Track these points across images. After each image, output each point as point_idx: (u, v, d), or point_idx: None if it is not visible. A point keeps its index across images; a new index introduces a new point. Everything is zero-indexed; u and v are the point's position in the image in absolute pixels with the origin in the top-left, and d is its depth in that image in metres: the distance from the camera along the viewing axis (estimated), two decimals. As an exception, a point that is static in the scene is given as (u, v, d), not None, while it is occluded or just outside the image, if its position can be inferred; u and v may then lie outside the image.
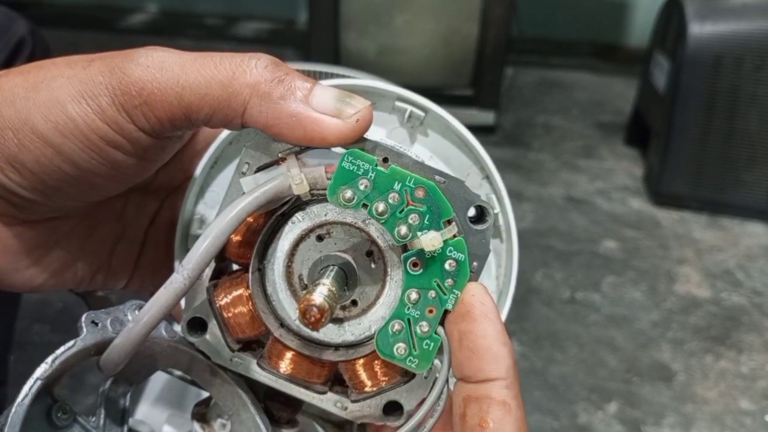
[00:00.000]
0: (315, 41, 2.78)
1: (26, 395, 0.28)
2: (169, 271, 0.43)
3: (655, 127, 2.51)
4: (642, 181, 2.56)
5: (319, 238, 0.35)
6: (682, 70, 2.26)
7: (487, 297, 0.32)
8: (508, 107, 3.09)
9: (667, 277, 2.04)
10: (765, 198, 2.32)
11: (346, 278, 0.34)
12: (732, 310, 1.91)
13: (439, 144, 0.42)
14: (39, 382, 0.29)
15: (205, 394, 0.39)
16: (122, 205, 0.43)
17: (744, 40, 2.20)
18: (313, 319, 0.30)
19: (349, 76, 1.31)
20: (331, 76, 1.33)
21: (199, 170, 0.41)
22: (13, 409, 0.27)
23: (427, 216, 0.32)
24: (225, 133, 0.41)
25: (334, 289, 0.32)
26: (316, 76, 0.89)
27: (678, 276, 2.05)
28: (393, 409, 0.35)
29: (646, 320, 1.86)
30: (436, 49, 2.78)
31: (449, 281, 0.32)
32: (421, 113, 0.41)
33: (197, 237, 0.41)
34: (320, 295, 0.31)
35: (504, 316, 0.41)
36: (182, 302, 0.34)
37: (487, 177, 0.42)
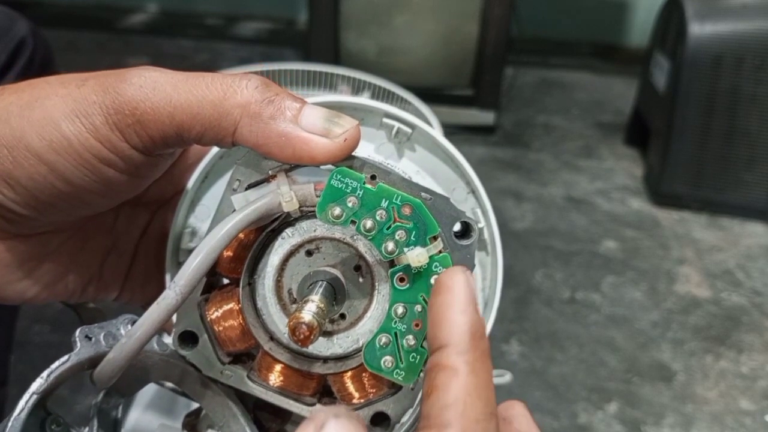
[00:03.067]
0: (315, 41, 2.78)
1: (22, 409, 0.29)
2: (159, 283, 0.44)
3: (655, 127, 2.51)
4: (642, 181, 2.57)
5: (309, 253, 0.35)
6: (682, 70, 2.26)
7: (458, 274, 0.30)
8: (508, 107, 3.09)
9: (667, 277, 2.04)
10: (765, 198, 2.31)
11: (335, 293, 0.34)
12: (732, 310, 1.92)
13: (426, 159, 0.43)
14: (35, 397, 0.29)
15: (195, 405, 0.39)
16: (113, 219, 0.44)
17: (744, 40, 2.20)
18: (302, 336, 0.31)
19: (350, 76, 1.32)
20: (332, 75, 1.34)
21: (190, 184, 0.42)
22: (10, 424, 0.28)
23: (414, 232, 0.32)
24: (216, 147, 0.41)
25: (323, 305, 0.32)
26: (317, 76, 0.89)
27: (678, 276, 2.05)
28: (380, 419, 0.36)
29: (646, 320, 1.87)
30: (436, 49, 2.78)
31: None
32: (408, 129, 0.41)
33: (188, 250, 0.42)
34: (309, 312, 0.31)
35: (490, 325, 0.42)
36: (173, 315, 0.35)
37: (473, 191, 0.43)
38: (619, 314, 1.88)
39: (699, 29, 2.23)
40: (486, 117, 2.78)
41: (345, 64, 2.48)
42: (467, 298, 0.29)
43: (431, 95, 2.23)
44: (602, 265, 2.08)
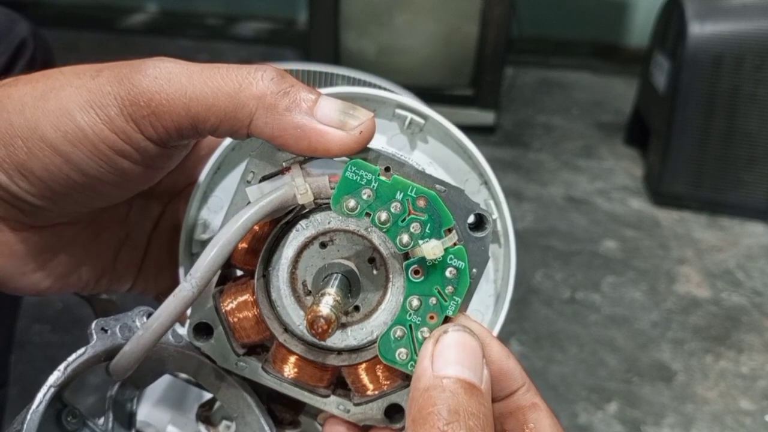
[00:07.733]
0: (315, 41, 2.78)
1: (40, 402, 0.29)
2: (172, 274, 0.44)
3: (655, 127, 2.52)
4: (642, 181, 2.57)
5: (323, 246, 0.35)
6: (682, 70, 2.27)
7: (475, 323, 0.34)
8: (508, 107, 3.09)
9: (667, 277, 2.04)
10: (765, 198, 2.32)
11: (350, 285, 0.34)
12: (732, 310, 1.92)
13: (439, 150, 0.43)
14: (52, 390, 0.29)
15: (208, 395, 0.39)
16: (126, 210, 0.44)
17: (744, 40, 2.21)
18: (320, 330, 0.31)
19: (351, 77, 1.31)
20: (332, 75, 1.34)
21: (203, 176, 0.42)
22: (28, 417, 0.28)
23: (429, 225, 0.33)
24: (228, 139, 0.41)
25: (339, 298, 0.32)
26: (319, 77, 0.89)
27: (678, 276, 2.05)
28: (394, 411, 0.36)
29: (646, 320, 1.87)
30: (436, 49, 2.78)
31: (450, 288, 0.33)
32: (420, 120, 0.41)
33: (201, 241, 0.42)
34: (326, 305, 0.32)
35: (502, 318, 0.42)
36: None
37: (486, 183, 0.43)
38: (619, 314, 1.88)
39: (699, 29, 2.23)
40: (486, 117, 2.78)
41: (345, 64, 2.48)
42: (500, 342, 0.34)
43: (431, 95, 2.23)
44: (602, 265, 2.09)
